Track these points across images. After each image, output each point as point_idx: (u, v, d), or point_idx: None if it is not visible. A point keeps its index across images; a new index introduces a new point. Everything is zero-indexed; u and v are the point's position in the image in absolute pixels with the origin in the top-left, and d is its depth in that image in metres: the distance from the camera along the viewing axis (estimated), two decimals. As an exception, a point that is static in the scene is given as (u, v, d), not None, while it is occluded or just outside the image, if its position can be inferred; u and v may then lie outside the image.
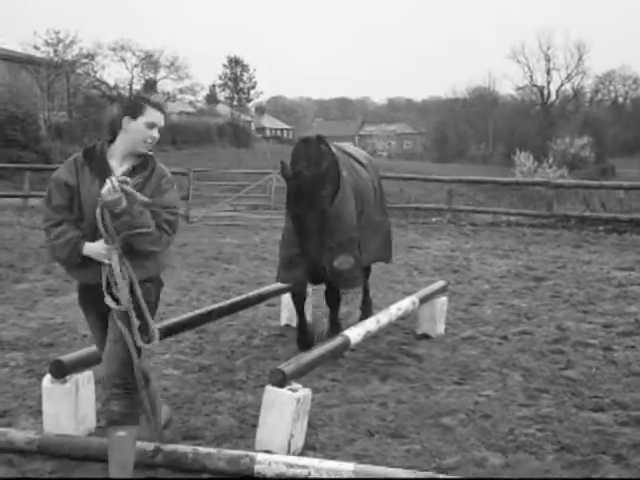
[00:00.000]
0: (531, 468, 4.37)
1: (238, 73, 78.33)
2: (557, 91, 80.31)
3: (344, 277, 6.25)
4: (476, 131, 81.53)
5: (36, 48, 44.98)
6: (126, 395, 3.79)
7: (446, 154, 77.94)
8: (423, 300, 7.03)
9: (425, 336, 7.32)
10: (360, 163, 7.08)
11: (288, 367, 4.54)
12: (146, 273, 3.90)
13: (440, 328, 7.42)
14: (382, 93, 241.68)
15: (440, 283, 7.64)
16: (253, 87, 79.48)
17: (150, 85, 63.90)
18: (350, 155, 6.98)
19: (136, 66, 61.53)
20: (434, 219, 18.33)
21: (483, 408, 5.38)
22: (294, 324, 7.47)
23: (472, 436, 4.86)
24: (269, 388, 4.47)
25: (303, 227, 5.81)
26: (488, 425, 5.05)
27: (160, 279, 4.08)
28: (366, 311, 7.60)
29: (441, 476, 3.96)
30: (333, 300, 6.77)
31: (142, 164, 3.90)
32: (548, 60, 79.25)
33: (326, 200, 5.87)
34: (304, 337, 6.65)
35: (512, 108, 79.83)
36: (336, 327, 6.75)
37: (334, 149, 6.40)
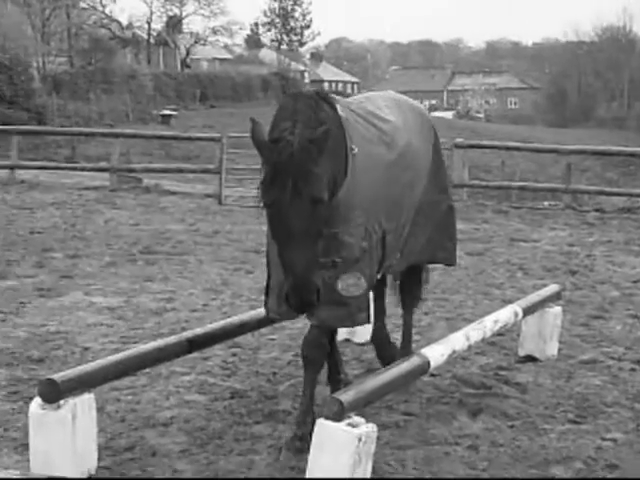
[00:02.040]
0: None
1: (288, 8, 78.63)
2: None
3: (348, 309, 5.35)
4: (606, 85, 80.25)
5: (27, -26, 45.86)
6: None
7: (565, 116, 76.95)
8: (529, 310, 6.96)
9: (531, 358, 7.25)
10: (396, 125, 6.00)
11: (347, 395, 4.55)
12: None
13: (551, 348, 7.34)
14: (479, 35, 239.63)
15: (552, 288, 7.56)
16: (308, 26, 79.78)
17: (174, 23, 64.72)
18: (374, 115, 5.90)
19: (156, -2, 62.33)
20: (546, 203, 18.13)
21: (608, 456, 5.32)
22: (355, 339, 7.48)
23: (592, 493, 4.82)
24: (322, 422, 4.50)
25: (283, 225, 4.78)
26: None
27: None
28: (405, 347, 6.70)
29: None
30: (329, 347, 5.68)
31: None
32: None
33: (320, 181, 4.86)
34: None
35: (656, 55, 78.28)
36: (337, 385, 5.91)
37: (341, 110, 5.48)
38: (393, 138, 5.85)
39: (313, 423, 4.74)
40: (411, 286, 6.78)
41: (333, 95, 5.62)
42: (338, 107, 5.44)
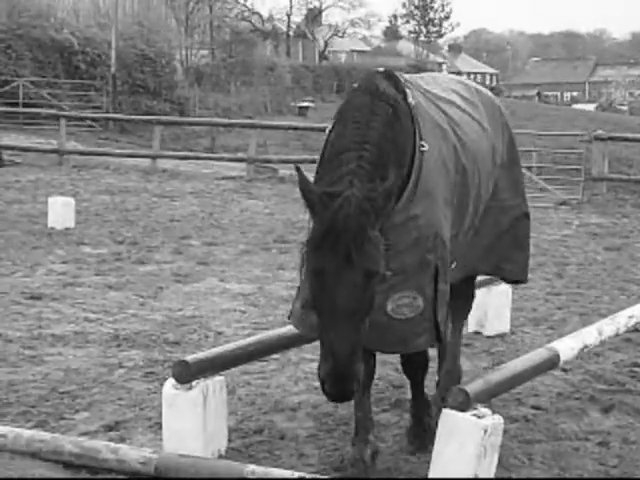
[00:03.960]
0: None
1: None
2: None
3: (398, 334, 4.63)
4: None
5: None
6: None
7: None
8: (666, 307, 6.78)
9: (668, 356, 7.08)
10: (467, 112, 5.27)
11: (474, 386, 4.52)
12: None
13: (690, 346, 7.14)
14: (624, 25, 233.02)
15: (692, 285, 7.34)
16: (447, 17, 79.11)
17: (313, 16, 65.19)
18: (447, 101, 5.18)
19: (296, -8, 62.88)
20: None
21: None
22: (486, 331, 7.43)
23: None
24: (447, 412, 4.47)
25: (328, 298, 4.02)
26: None
27: None
28: (448, 378, 5.72)
29: None
30: (415, 363, 5.14)
31: None
32: None
33: (377, 251, 4.07)
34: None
35: None
36: (423, 406, 5.29)
37: (412, 96, 4.75)
38: (465, 131, 5.09)
39: (431, 416, 4.74)
40: (464, 298, 5.87)
41: (404, 76, 4.93)
42: (409, 93, 4.74)
